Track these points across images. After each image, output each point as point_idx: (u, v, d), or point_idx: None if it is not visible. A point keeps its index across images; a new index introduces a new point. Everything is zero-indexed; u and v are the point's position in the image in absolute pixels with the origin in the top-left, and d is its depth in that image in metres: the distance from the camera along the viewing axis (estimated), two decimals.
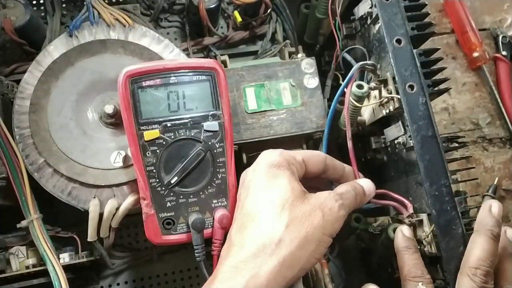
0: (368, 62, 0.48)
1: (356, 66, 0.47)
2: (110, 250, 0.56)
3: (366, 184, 0.45)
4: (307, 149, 0.56)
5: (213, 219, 0.46)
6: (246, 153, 0.54)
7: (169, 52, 0.55)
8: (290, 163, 0.42)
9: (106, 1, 0.57)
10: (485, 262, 0.40)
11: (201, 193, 0.46)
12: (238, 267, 0.36)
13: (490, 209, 0.42)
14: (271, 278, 0.36)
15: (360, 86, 0.47)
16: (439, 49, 0.48)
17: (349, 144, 0.47)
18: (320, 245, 0.39)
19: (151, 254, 0.61)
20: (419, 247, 0.46)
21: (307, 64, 0.56)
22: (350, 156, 0.47)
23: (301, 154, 0.44)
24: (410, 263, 0.43)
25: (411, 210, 0.47)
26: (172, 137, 0.45)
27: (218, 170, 0.46)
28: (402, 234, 0.46)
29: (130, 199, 0.49)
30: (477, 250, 0.40)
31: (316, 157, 0.45)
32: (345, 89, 0.48)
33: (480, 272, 0.39)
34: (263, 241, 0.37)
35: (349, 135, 0.47)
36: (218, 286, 0.36)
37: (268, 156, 0.42)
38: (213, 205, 0.47)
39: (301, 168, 0.43)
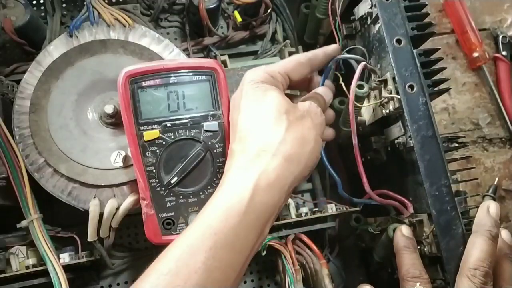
0: (347, 55, 0.50)
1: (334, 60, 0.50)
2: (110, 250, 0.56)
3: (323, 90, 0.48)
4: None
5: None
6: None
7: (169, 52, 0.55)
8: (275, 78, 0.43)
9: (106, 1, 0.57)
10: (484, 263, 0.40)
11: (201, 193, 0.46)
12: (245, 167, 0.39)
13: (488, 210, 0.43)
14: (279, 173, 0.39)
15: (360, 86, 0.47)
16: (439, 49, 0.48)
17: (354, 140, 0.47)
18: (316, 143, 0.42)
19: (151, 254, 0.61)
20: (419, 247, 0.46)
21: None
22: (355, 152, 0.46)
23: (284, 68, 0.45)
24: (408, 262, 0.44)
25: (411, 210, 0.47)
26: (172, 137, 0.45)
27: (218, 170, 0.46)
28: (401, 234, 0.46)
29: (130, 199, 0.49)
30: (476, 251, 0.40)
31: (298, 68, 0.46)
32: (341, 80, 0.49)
33: (479, 273, 0.39)
34: (266, 141, 0.39)
35: (354, 130, 0.46)
36: (229, 185, 0.38)
37: (252, 74, 0.43)
38: None
39: (285, 83, 0.45)
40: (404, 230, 0.46)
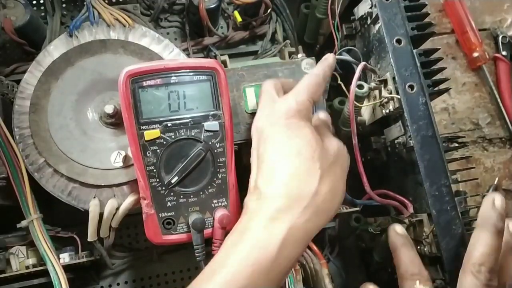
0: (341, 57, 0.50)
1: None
2: (110, 250, 0.56)
3: (325, 115, 0.49)
4: None
5: (213, 219, 0.46)
6: (246, 153, 0.53)
7: (169, 52, 0.55)
8: (307, 109, 0.42)
9: (106, 1, 0.57)
10: (489, 258, 0.38)
11: (201, 193, 0.46)
12: (275, 217, 0.37)
13: (494, 203, 0.40)
14: (308, 227, 0.38)
15: (360, 86, 0.47)
16: (439, 49, 0.48)
17: (354, 140, 0.47)
18: (343, 192, 0.42)
19: (151, 254, 0.61)
20: (419, 247, 0.46)
21: (307, 64, 0.56)
22: (355, 152, 0.46)
23: (310, 94, 0.43)
24: (406, 260, 0.43)
25: (411, 210, 0.47)
26: (173, 136, 0.45)
27: (218, 170, 0.46)
28: (395, 233, 0.45)
29: (130, 199, 0.49)
30: (480, 245, 0.39)
31: (318, 89, 0.45)
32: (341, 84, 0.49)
33: (484, 268, 0.38)
34: (299, 192, 0.38)
35: (354, 130, 0.46)
36: (256, 237, 0.36)
37: (285, 107, 0.42)
38: (213, 205, 0.47)
39: (312, 108, 0.44)
40: (398, 229, 0.45)
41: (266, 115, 0.43)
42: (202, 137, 0.46)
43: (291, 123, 0.41)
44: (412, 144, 0.44)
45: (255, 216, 0.38)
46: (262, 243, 0.36)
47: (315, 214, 0.38)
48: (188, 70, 0.46)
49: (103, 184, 0.49)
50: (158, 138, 0.45)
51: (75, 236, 0.53)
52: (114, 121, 0.51)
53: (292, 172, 0.39)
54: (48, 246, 0.49)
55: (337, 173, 0.41)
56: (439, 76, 0.47)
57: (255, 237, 0.36)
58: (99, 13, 0.55)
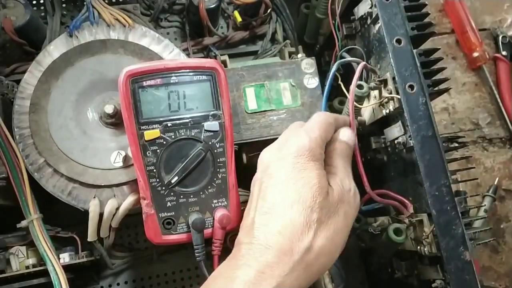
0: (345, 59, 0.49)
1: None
2: (110, 250, 0.56)
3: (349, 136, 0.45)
4: None
5: (213, 219, 0.46)
6: (246, 153, 0.53)
7: (169, 52, 0.55)
8: (320, 148, 0.40)
9: (106, 1, 0.57)
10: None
11: (201, 193, 0.46)
12: (264, 272, 0.35)
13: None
14: (295, 284, 0.36)
15: (360, 86, 0.47)
16: (439, 49, 0.48)
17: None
18: (343, 244, 0.40)
19: (151, 254, 0.61)
20: (419, 247, 0.46)
21: (307, 64, 0.56)
22: (355, 152, 0.46)
23: (324, 133, 0.42)
24: None
25: (411, 210, 0.47)
26: (173, 136, 0.45)
27: (218, 170, 0.46)
28: None
29: (130, 199, 0.49)
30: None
31: (330, 130, 0.43)
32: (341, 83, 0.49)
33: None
34: (291, 246, 0.36)
35: (354, 130, 0.46)
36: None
37: (297, 143, 0.40)
38: (213, 205, 0.47)
39: (324, 147, 0.42)
40: None
41: (276, 148, 0.42)
42: (202, 137, 0.46)
43: (299, 163, 0.39)
44: (412, 144, 0.44)
45: (243, 264, 0.36)
46: None
47: (304, 270, 0.36)
48: (188, 70, 0.46)
49: (103, 184, 0.49)
50: (158, 138, 0.45)
51: (75, 236, 0.53)
52: (114, 121, 0.51)
53: (288, 222, 0.37)
54: (48, 246, 0.49)
55: (339, 223, 0.39)
56: (439, 76, 0.47)
57: None
58: (99, 13, 0.55)
